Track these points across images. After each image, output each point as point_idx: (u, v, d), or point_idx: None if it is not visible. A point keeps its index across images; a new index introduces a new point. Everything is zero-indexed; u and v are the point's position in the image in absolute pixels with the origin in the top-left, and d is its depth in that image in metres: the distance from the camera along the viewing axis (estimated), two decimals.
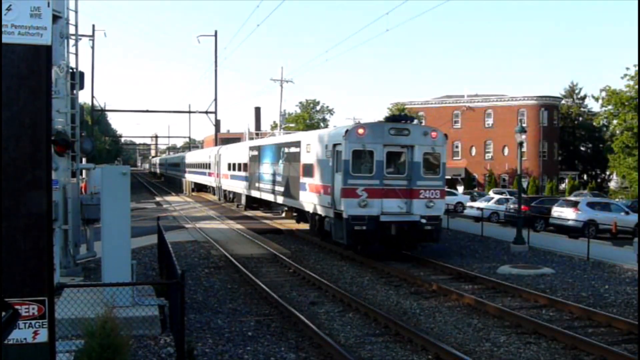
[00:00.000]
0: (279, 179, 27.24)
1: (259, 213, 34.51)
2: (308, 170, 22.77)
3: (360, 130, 19.33)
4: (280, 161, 26.99)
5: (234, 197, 40.08)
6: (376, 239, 19.26)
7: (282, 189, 26.69)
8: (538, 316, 12.60)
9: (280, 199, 27.60)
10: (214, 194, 47.02)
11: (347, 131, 19.34)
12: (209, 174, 46.98)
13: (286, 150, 26.25)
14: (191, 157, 60.46)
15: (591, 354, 9.96)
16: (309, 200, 22.80)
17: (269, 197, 29.52)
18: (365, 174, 19.18)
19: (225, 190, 42.37)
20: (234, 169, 37.94)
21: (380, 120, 22.90)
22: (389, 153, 19.54)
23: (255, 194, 32.39)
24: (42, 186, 4.59)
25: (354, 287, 15.46)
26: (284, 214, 32.10)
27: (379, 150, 19.24)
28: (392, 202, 19.34)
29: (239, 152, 36.94)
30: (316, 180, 21.75)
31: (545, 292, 14.74)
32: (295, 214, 28.25)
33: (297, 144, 24.81)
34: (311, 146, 22.83)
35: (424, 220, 19.28)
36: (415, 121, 25.38)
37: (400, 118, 21.65)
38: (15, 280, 4.52)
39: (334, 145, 20.00)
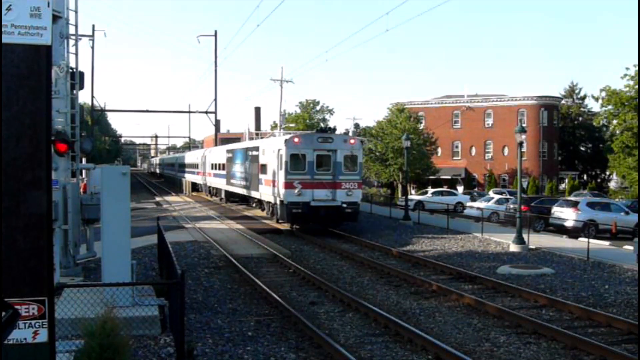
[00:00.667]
0: (245, 175, 34.11)
1: (258, 213, 34.55)
2: (263, 169, 29.38)
3: (296, 139, 26.19)
4: (247, 162, 33.63)
5: (216, 192, 45.74)
6: (309, 219, 25.90)
7: (247, 183, 33.54)
8: (538, 316, 12.60)
9: (246, 192, 34.50)
10: (201, 190, 52.47)
11: (286, 140, 26.13)
12: (198, 173, 52.91)
13: (250, 153, 32.86)
14: (184, 158, 66.93)
15: (591, 354, 9.96)
16: (264, 191, 29.66)
17: (240, 191, 36.31)
18: (301, 171, 25.68)
19: (210, 187, 48.30)
20: (215, 169, 44.24)
21: (312, 131, 31.55)
22: (318, 155, 26.07)
23: (230, 188, 38.87)
24: (42, 186, 4.59)
25: (354, 287, 15.46)
26: (254, 206, 36.02)
27: (310, 153, 25.85)
28: (320, 192, 25.80)
29: (219, 154, 43.20)
30: (268, 176, 28.48)
31: (545, 292, 14.74)
32: (257, 203, 34.01)
33: (257, 148, 31.44)
34: (265, 150, 29.41)
35: (344, 205, 25.83)
36: (338, 131, 34.46)
37: (326, 130, 29.65)
38: (15, 280, 4.52)
39: (278, 150, 26.53)
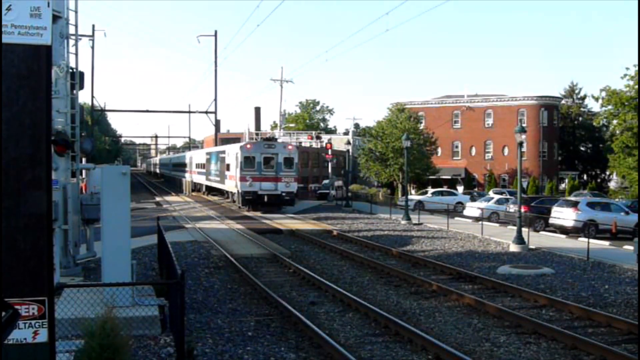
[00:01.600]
0: (217, 173, 44.14)
1: (258, 213, 34.68)
2: (228, 167, 39.52)
3: (248, 146, 36.54)
4: (218, 162, 43.45)
5: (200, 187, 54.95)
6: (257, 203, 35.53)
7: (218, 179, 43.97)
8: (538, 316, 12.60)
9: (218, 185, 44.91)
10: (189, 187, 60.73)
11: (241, 146, 36.33)
12: (187, 171, 61.59)
13: (220, 155, 42.81)
14: (177, 158, 78.17)
15: (591, 354, 9.96)
16: (228, 184, 39.96)
17: (214, 185, 46.41)
18: (252, 168, 35.39)
19: (195, 182, 57.55)
20: (198, 167, 53.90)
21: (260, 139, 43.40)
22: (264, 157, 35.63)
23: (208, 183, 48.99)
24: (42, 186, 4.59)
25: (354, 287, 15.45)
26: (225, 196, 45.07)
27: (258, 156, 35.53)
28: (266, 184, 35.38)
29: (201, 156, 53.65)
30: (231, 172, 38.28)
31: (545, 292, 14.73)
32: (225, 194, 44.23)
33: (224, 152, 41.64)
34: (229, 154, 39.39)
35: (284, 194, 35.63)
36: (280, 140, 46.54)
37: (270, 139, 39.98)
38: (15, 280, 4.51)
39: (236, 154, 36.22)
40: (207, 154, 49.51)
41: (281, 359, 9.57)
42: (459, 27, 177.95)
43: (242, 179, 35.28)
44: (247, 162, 35.33)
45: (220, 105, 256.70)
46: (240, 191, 35.82)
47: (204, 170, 50.36)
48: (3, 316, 3.57)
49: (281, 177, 35.50)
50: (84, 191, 15.68)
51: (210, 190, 50.35)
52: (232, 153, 37.75)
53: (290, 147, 37.60)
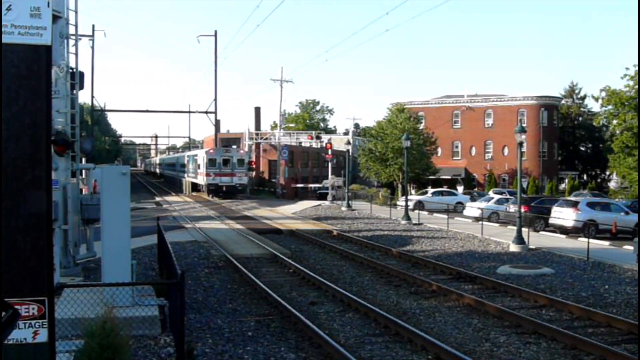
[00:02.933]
0: (193, 170, 57.06)
1: (258, 213, 34.68)
2: (199, 166, 52.59)
3: (211, 151, 51.30)
4: (194, 163, 56.61)
5: (184, 183, 65.22)
6: (218, 192, 49.58)
7: (194, 175, 56.65)
8: (538, 316, 12.60)
9: (193, 180, 57.65)
10: (188, 187, 68.22)
11: (206, 151, 51.36)
12: (174, 170, 74.14)
13: (194, 157, 57.03)
14: (173, 159, 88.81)
15: (591, 354, 9.96)
16: (199, 178, 53.10)
17: (192, 180, 58.16)
18: (214, 167, 49.44)
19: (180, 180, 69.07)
20: (183, 167, 65.81)
21: (220, 146, 56.16)
22: (223, 159, 49.83)
23: (189, 179, 60.41)
24: (42, 186, 4.59)
25: (354, 287, 15.45)
26: (200, 189, 56.76)
27: (219, 158, 49.80)
28: (224, 178, 49.58)
29: (185, 158, 65.93)
30: (200, 170, 51.89)
31: (545, 292, 14.73)
32: (199, 186, 55.93)
33: (197, 155, 55.69)
34: (199, 156, 53.15)
35: (237, 185, 50.15)
36: (234, 146, 58.36)
37: (227, 146, 54.56)
38: (15, 280, 4.51)
39: (203, 157, 50.40)
40: (188, 156, 63.33)
41: (281, 359, 9.57)
42: (459, 27, 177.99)
43: (208, 174, 49.49)
44: (211, 162, 49.47)
45: (220, 106, 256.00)
46: (205, 183, 50.24)
47: (185, 169, 63.95)
48: (3, 316, 3.57)
49: (235, 173, 49.96)
50: (91, 190, 15.77)
51: (190, 185, 61.26)
52: (201, 156, 51.96)
53: (242, 151, 53.26)
